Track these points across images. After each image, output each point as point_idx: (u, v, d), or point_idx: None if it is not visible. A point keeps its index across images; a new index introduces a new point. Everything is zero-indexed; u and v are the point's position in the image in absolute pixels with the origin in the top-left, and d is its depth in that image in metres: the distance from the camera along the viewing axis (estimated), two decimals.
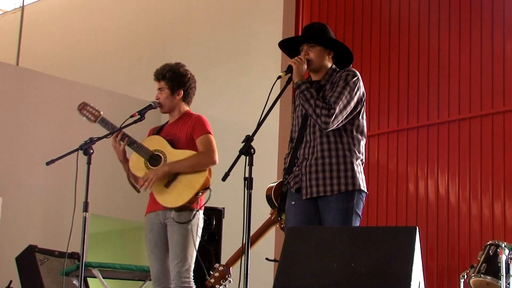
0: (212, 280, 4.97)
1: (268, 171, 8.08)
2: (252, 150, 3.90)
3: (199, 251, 4.96)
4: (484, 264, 5.38)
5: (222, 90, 9.35)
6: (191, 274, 4.86)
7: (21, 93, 8.82)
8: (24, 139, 8.70)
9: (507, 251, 5.21)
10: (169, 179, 4.90)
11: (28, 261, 6.85)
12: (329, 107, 4.20)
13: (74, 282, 6.40)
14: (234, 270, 4.93)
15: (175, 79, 5.06)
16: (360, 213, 4.29)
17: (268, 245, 7.64)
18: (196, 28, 9.95)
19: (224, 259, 5.78)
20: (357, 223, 4.26)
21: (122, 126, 4.95)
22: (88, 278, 6.83)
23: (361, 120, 4.37)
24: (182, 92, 5.08)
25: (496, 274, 5.26)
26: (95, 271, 6.39)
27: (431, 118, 7.88)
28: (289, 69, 4.30)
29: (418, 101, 8.00)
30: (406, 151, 8.00)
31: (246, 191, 3.86)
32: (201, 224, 4.95)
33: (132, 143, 4.96)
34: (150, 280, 5.13)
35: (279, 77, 4.27)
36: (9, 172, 8.51)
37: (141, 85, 9.70)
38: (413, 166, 7.91)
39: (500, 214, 7.25)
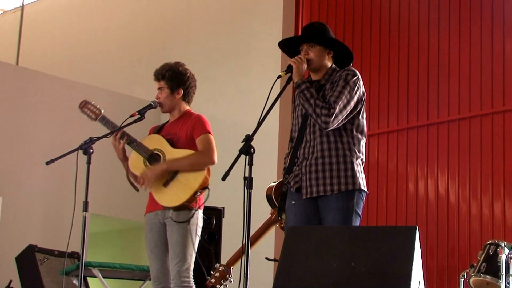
0: (213, 280, 4.96)
1: (268, 171, 8.08)
2: (252, 149, 3.90)
3: (199, 250, 4.96)
4: (484, 264, 5.38)
5: (222, 90, 9.35)
6: (191, 273, 4.86)
7: (21, 93, 8.82)
8: (24, 139, 8.70)
9: (507, 250, 5.21)
10: (168, 178, 4.90)
11: (28, 260, 6.85)
12: (329, 107, 4.20)
13: (74, 281, 6.40)
14: (234, 269, 4.93)
15: (175, 78, 5.06)
16: (360, 213, 4.29)
17: (268, 245, 7.64)
18: (196, 28, 9.95)
19: (224, 259, 5.78)
20: (357, 222, 4.26)
21: (122, 125, 4.96)
22: (88, 278, 6.83)
23: (361, 120, 4.37)
24: (182, 91, 5.08)
25: (496, 274, 5.26)
26: (95, 271, 6.39)
27: (431, 117, 7.88)
28: (289, 69, 4.31)
29: (418, 101, 8.00)
30: (406, 151, 8.00)
31: (246, 190, 3.86)
32: (200, 224, 4.94)
33: (132, 142, 4.97)
34: (150, 279, 5.13)
35: (279, 76, 4.28)
36: (9, 172, 8.51)
37: (141, 85, 9.70)
38: (413, 165, 7.91)
39: (500, 214, 7.25)
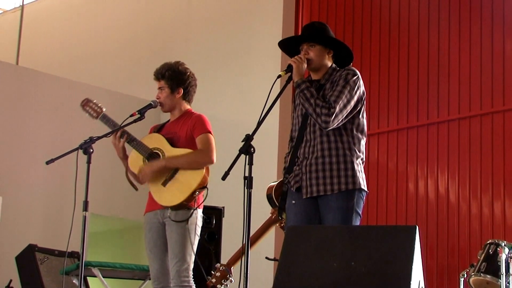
0: (214, 280, 4.96)
1: (268, 170, 8.08)
2: (252, 149, 3.90)
3: (199, 250, 4.96)
4: (484, 263, 5.38)
5: (222, 90, 9.35)
6: (191, 273, 4.86)
7: (21, 93, 8.82)
8: (24, 139, 8.70)
9: (507, 250, 5.21)
10: (167, 177, 4.90)
11: (28, 260, 6.85)
12: (329, 106, 4.20)
13: (74, 281, 6.40)
14: (235, 269, 4.93)
15: (175, 77, 5.06)
16: (360, 212, 4.29)
17: (268, 244, 7.64)
18: (196, 28, 9.95)
19: (224, 259, 5.78)
20: (357, 222, 4.26)
21: (122, 125, 4.96)
22: (88, 277, 6.82)
23: (361, 119, 4.37)
24: (182, 91, 5.08)
25: (496, 273, 5.25)
26: (95, 270, 6.39)
27: (431, 117, 7.88)
28: (289, 68, 4.30)
29: (418, 100, 8.00)
30: (406, 150, 8.00)
31: (246, 190, 3.86)
32: (199, 223, 4.94)
33: (132, 141, 4.97)
34: (150, 279, 5.13)
35: (279, 76, 4.28)
36: (9, 172, 8.51)
37: (141, 84, 9.69)
38: (413, 165, 7.91)
39: (500, 213, 7.25)
